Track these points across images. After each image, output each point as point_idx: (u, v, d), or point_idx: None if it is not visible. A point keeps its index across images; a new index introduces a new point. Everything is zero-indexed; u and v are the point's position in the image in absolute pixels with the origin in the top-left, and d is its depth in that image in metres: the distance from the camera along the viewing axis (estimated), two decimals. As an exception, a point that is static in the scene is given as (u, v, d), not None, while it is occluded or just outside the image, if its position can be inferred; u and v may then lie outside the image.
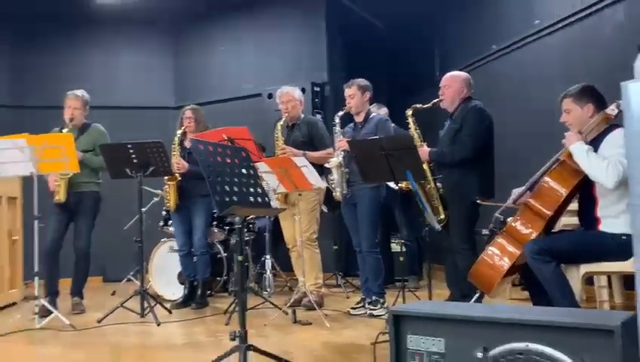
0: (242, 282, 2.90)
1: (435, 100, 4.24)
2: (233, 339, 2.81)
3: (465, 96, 4.17)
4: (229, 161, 2.98)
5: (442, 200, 4.20)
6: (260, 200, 3.03)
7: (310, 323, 4.30)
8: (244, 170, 3.04)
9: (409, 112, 4.29)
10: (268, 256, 5.91)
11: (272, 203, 5.43)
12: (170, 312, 4.90)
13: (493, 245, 3.34)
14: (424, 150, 4.14)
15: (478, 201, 3.78)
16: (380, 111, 5.67)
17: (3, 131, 4.87)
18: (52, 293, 4.91)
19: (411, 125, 4.29)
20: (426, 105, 4.25)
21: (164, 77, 8.06)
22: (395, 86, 7.92)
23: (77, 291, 5.15)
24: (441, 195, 4.20)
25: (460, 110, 4.15)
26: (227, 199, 2.80)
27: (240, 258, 2.91)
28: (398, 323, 1.99)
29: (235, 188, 2.91)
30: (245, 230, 5.76)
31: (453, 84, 4.18)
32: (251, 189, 3.01)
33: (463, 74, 4.29)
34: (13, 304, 5.45)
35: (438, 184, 4.23)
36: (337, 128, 4.64)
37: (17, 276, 5.64)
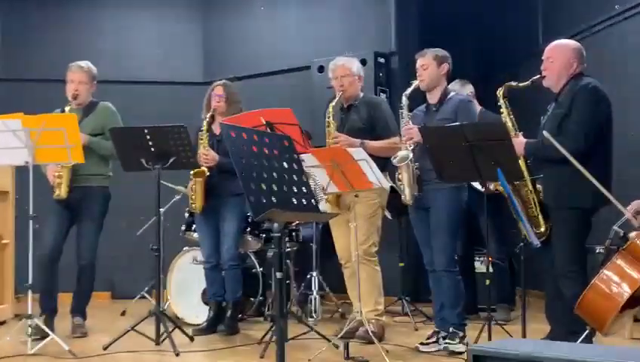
0: (281, 305, 2.92)
1: (535, 77, 4.17)
2: (268, 377, 2.85)
3: (574, 72, 4.09)
4: (267, 151, 3.02)
5: (542, 207, 4.13)
6: (305, 202, 3.06)
7: (367, 361, 4.28)
8: (286, 164, 3.08)
9: (500, 92, 4.23)
10: (314, 273, 5.95)
11: (320, 206, 5.50)
12: (191, 339, 4.98)
13: (609, 268, 3.29)
14: (519, 141, 4.09)
15: (545, 133, 3.60)
16: (464, 91, 5.62)
17: (-4, 110, 5.04)
18: (49, 311, 5.07)
19: (504, 109, 4.24)
20: (523, 84, 4.19)
21: (190, 45, 8.20)
22: (485, 58, 7.80)
23: (79, 309, 5.30)
24: (541, 201, 4.13)
25: (567, 90, 4.07)
26: (264, 200, 2.84)
27: (279, 275, 2.94)
28: (480, 366, 1.97)
29: (275, 187, 2.95)
30: (287, 239, 5.80)
31: (559, 56, 4.10)
32: (295, 188, 3.05)
33: (572, 43, 4.20)
34: (2, 323, 5.66)
35: (537, 186, 4.16)
36: (405, 111, 4.61)
37: (7, 289, 5.83)
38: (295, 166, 3.12)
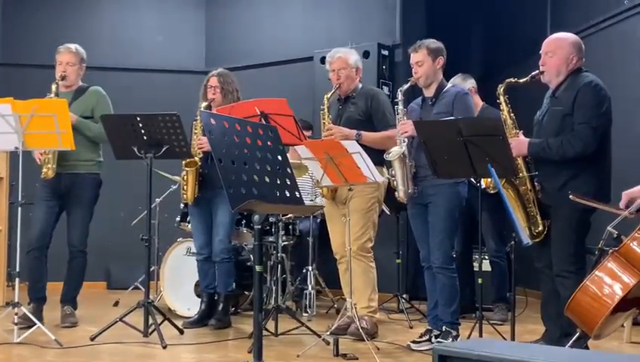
0: (259, 299, 2.91)
1: (534, 73, 4.13)
2: (245, 372, 2.84)
3: (574, 67, 4.05)
4: (250, 141, 3.00)
5: (540, 206, 4.09)
6: (288, 194, 3.04)
7: (356, 358, 4.28)
8: (269, 155, 3.06)
9: (501, 89, 4.21)
10: (311, 268, 5.92)
11: (317, 199, 5.47)
12: (181, 332, 4.98)
13: (601, 269, 3.25)
14: (522, 141, 4.05)
15: (572, 197, 3.64)
16: (465, 85, 5.56)
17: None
18: (37, 299, 5.08)
19: (503, 107, 4.23)
20: (522, 80, 4.15)
21: (192, 33, 8.20)
22: (492, 53, 7.73)
23: (69, 298, 5.30)
24: (539, 200, 4.10)
25: (566, 86, 4.05)
26: (243, 191, 2.82)
27: (258, 268, 2.92)
28: (444, 366, 1.94)
29: (256, 178, 2.93)
30: (283, 232, 5.78)
31: (558, 50, 4.06)
32: (278, 180, 3.03)
33: (571, 36, 4.16)
34: (-7, 310, 5.67)
35: (535, 183, 4.13)
36: (400, 107, 4.57)
37: (-1, 275, 5.87)
38: (279, 157, 3.09)
